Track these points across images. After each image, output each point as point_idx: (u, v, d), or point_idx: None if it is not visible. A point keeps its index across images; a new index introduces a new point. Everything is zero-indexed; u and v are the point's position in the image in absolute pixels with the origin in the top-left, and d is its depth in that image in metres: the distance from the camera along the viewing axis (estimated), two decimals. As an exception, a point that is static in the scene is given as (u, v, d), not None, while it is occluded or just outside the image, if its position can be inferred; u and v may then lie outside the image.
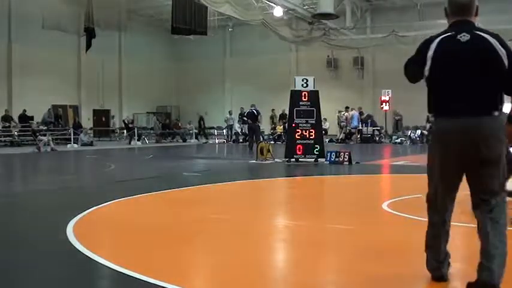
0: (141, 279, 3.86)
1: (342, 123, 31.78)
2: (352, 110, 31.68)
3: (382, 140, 30.70)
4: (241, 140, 30.44)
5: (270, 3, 29.28)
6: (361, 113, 31.85)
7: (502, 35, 3.91)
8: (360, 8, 33.32)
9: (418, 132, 29.56)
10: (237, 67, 37.99)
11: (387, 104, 31.13)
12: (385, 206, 7.08)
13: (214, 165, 15.27)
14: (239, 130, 32.04)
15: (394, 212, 6.64)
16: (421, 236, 5.42)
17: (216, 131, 34.64)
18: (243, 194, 9.10)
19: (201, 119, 34.35)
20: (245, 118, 22.79)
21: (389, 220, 6.49)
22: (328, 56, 35.80)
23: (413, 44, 31.89)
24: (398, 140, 29.50)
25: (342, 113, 32.05)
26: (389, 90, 30.72)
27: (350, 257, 4.60)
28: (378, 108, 31.93)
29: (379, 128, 31.37)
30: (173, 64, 39.03)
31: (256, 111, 21.98)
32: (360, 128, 30.94)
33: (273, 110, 32.25)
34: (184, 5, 20.76)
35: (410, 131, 30.26)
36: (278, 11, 30.23)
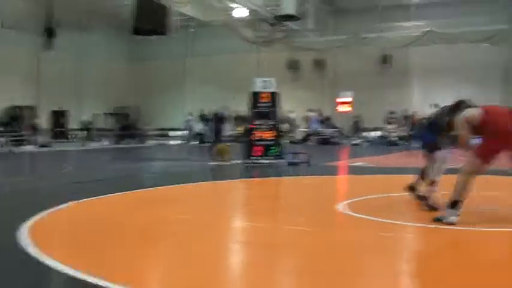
0: (91, 283, 3.79)
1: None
2: (311, 112, 31.73)
3: (341, 141, 30.95)
4: (205, 141, 30.32)
5: (233, 4, 29.26)
6: (320, 115, 32.06)
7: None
8: (322, 10, 33.57)
9: (377, 133, 29.86)
10: (199, 68, 37.85)
11: (347, 105, 31.40)
12: (341, 207, 7.11)
13: (173, 167, 15.16)
14: (199, 131, 31.91)
15: (351, 213, 6.68)
16: (376, 236, 5.48)
17: (175, 132, 34.43)
18: (201, 196, 9.05)
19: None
20: (210, 119, 22.69)
21: (345, 221, 6.52)
22: (289, 58, 35.93)
23: (374, 45, 32.62)
24: (357, 142, 29.79)
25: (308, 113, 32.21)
26: (349, 92, 31.03)
27: (306, 258, 4.60)
28: (334, 109, 32.21)
29: (338, 130, 31.62)
30: (134, 64, 38.66)
31: (224, 113, 22.02)
32: (319, 129, 31.14)
33: (235, 111, 32.09)
34: (145, 5, 20.56)
35: (368, 132, 30.58)
36: (240, 12, 30.23)
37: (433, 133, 7.02)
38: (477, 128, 5.97)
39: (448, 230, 5.69)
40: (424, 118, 8.96)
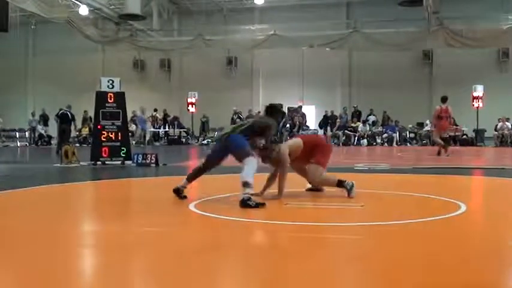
0: None
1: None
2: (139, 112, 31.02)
3: (189, 141, 31.07)
4: (50, 143, 29.04)
5: (76, 1, 28.31)
6: (166, 115, 31.92)
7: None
8: (167, 10, 33.46)
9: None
10: (42, 67, 36.17)
11: (194, 106, 31.54)
12: (192, 206, 7.12)
13: (15, 170, 14.37)
14: (43, 132, 30.54)
15: (201, 213, 6.70)
16: (227, 234, 5.54)
17: (17, 133, 32.59)
18: (45, 200, 8.62)
19: None
20: (56, 119, 21.69)
21: (196, 220, 6.53)
22: (135, 58, 35.45)
23: (220, 47, 33.03)
24: (205, 141, 30.04)
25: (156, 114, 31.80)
26: (196, 93, 31.19)
27: (159, 259, 4.54)
28: (185, 110, 32.25)
29: (186, 130, 31.70)
30: (-32, 63, 36.18)
31: (70, 113, 21.18)
32: (167, 130, 31.03)
33: (85, 111, 30.76)
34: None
35: (217, 132, 30.92)
36: (84, 10, 29.32)
37: (245, 138, 7.39)
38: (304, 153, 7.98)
39: (293, 226, 5.92)
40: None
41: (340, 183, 7.86)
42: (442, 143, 18.47)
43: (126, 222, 6.50)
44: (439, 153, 18.05)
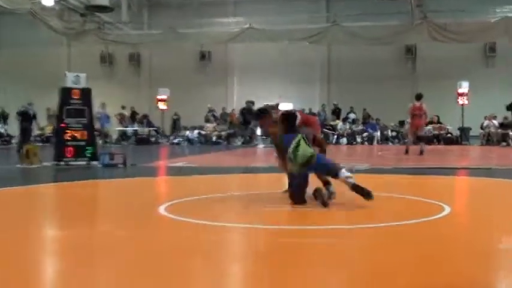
0: None
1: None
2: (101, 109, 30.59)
3: (160, 140, 30.91)
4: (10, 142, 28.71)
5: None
6: (134, 113, 31.75)
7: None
8: (136, 1, 33.26)
9: (197, 132, 30.20)
10: (1, 61, 35.61)
11: (164, 103, 31.35)
12: (162, 209, 7.06)
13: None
14: (2, 131, 30.17)
15: (171, 216, 6.65)
16: (198, 239, 5.50)
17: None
18: (2, 204, 8.49)
19: None
20: (17, 117, 21.39)
21: (166, 224, 6.47)
22: (102, 52, 35.16)
23: (192, 41, 32.87)
24: (176, 141, 29.91)
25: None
26: (167, 89, 31.01)
27: (124, 266, 4.48)
28: (155, 107, 32.06)
29: (156, 128, 31.53)
30: None
31: (31, 110, 20.95)
32: (137, 128, 30.85)
33: (48, 108, 30.28)
34: None
35: (188, 131, 30.84)
36: (48, 0, 28.99)
37: None
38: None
39: (269, 230, 5.89)
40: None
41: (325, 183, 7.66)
42: (411, 141, 19.12)
43: (90, 227, 6.42)
44: (407, 152, 18.58)
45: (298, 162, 7.21)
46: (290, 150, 7.22)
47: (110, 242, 5.40)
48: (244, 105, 29.01)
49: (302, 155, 7.19)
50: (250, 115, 27.21)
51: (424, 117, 19.22)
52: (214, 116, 31.25)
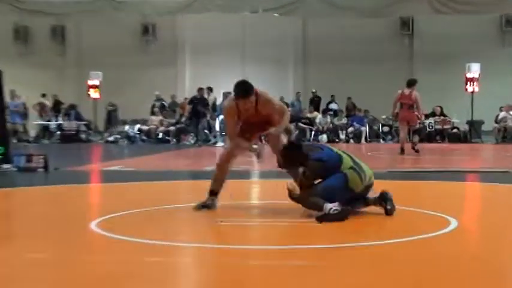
0: None
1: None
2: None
3: (91, 137, 30.69)
4: None
5: None
6: (58, 103, 31.44)
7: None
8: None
9: (141, 127, 29.97)
10: None
11: (97, 90, 31.02)
12: (93, 225, 7.01)
13: None
14: None
15: (105, 234, 6.61)
16: (137, 262, 5.48)
17: None
18: None
19: None
20: None
21: (98, 244, 6.45)
22: (16, 24, 34.72)
23: (132, 11, 32.68)
24: (112, 138, 29.68)
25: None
26: (100, 72, 30.71)
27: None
28: (85, 95, 31.75)
29: (86, 123, 31.28)
30: None
31: None
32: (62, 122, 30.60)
33: None
34: None
35: (128, 126, 30.59)
36: None
37: None
38: None
39: (225, 250, 5.89)
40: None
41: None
42: (404, 138, 19.26)
43: (9, 247, 6.36)
44: (402, 151, 18.77)
45: (366, 182, 7.58)
46: (351, 165, 7.58)
47: (25, 269, 5.34)
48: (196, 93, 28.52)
49: (370, 174, 7.73)
50: (204, 106, 27.09)
51: (418, 109, 19.29)
52: (163, 106, 30.92)
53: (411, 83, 19.06)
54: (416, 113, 19.18)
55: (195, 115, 27.08)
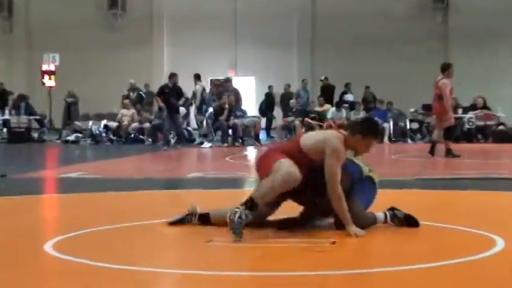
0: None
1: None
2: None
3: (45, 136, 30.69)
4: None
5: None
6: (4, 92, 31.42)
7: None
8: None
9: (108, 123, 29.88)
10: None
11: (52, 77, 31.00)
12: (48, 247, 7.00)
13: None
14: None
15: (63, 257, 6.60)
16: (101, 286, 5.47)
17: None
18: None
19: None
20: None
21: (55, 269, 6.43)
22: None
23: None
24: (72, 137, 29.65)
25: None
26: (57, 55, 30.69)
27: None
28: (38, 83, 31.75)
29: (39, 117, 31.27)
30: None
31: None
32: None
33: None
34: None
35: (91, 122, 30.54)
36: None
37: None
38: None
39: (216, 277, 5.89)
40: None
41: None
42: (437, 136, 19.21)
43: None
44: (432, 151, 18.84)
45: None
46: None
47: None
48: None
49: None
50: (179, 97, 25.81)
51: (446, 101, 19.13)
52: (141, 98, 30.57)
53: (443, 68, 19.07)
54: (439, 105, 19.15)
55: (169, 109, 25.43)
